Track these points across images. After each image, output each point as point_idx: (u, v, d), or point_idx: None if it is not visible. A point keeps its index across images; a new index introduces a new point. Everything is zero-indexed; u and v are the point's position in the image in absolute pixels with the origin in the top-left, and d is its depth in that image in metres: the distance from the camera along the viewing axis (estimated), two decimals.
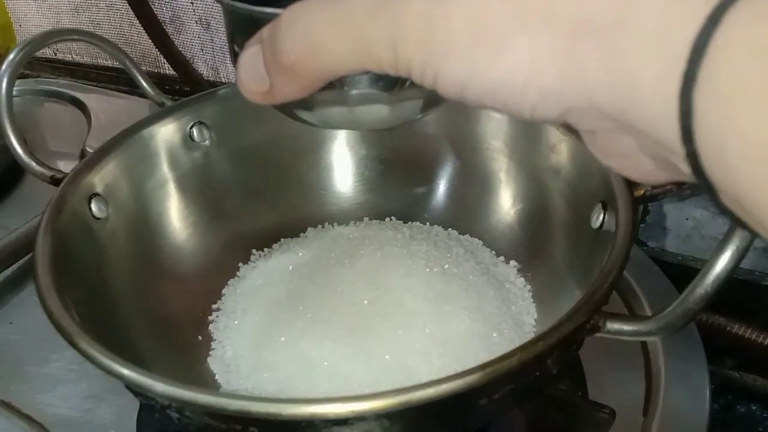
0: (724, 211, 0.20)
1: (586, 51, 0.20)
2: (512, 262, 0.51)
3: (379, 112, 0.32)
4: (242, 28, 0.34)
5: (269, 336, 0.44)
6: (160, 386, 0.30)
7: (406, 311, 0.44)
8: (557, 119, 0.23)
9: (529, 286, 0.49)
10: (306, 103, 0.32)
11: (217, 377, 0.45)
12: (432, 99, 0.33)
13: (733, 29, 0.18)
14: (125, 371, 0.31)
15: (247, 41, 0.27)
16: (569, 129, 0.44)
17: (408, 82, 0.28)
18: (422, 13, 0.22)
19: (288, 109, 0.34)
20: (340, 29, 0.24)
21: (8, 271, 0.58)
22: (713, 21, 0.18)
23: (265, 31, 0.26)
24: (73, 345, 0.32)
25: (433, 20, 0.22)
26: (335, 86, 0.29)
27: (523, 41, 0.21)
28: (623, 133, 0.22)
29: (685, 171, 0.20)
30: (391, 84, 0.30)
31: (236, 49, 0.34)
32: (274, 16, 0.25)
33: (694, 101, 0.18)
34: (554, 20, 0.21)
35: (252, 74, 0.26)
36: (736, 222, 0.20)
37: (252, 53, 0.26)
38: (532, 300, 0.48)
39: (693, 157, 0.19)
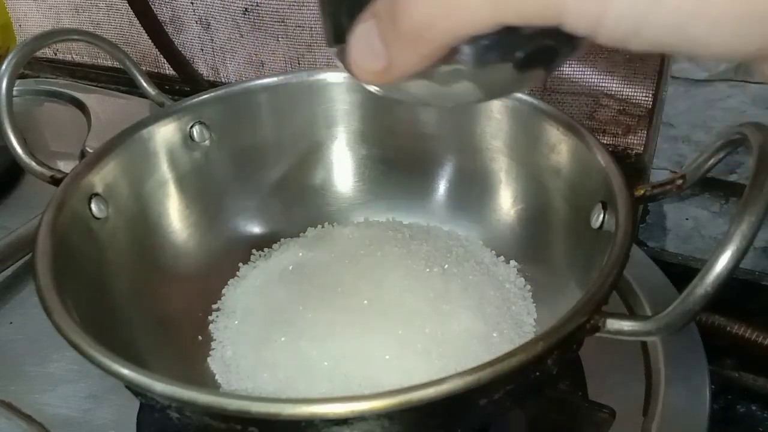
0: None
1: None
2: (512, 262, 0.51)
3: (499, 82, 0.27)
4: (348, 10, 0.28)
5: (269, 336, 0.44)
6: (159, 386, 0.30)
7: (406, 311, 0.44)
8: (755, 53, 0.20)
9: (529, 286, 0.49)
10: (416, 77, 0.27)
11: (217, 377, 0.45)
12: (558, 59, 0.27)
13: None
14: (125, 371, 0.31)
15: (357, 17, 0.24)
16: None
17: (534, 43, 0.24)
18: None
19: (395, 87, 0.29)
20: None
21: (8, 271, 0.58)
22: None
23: (379, 2, 0.23)
24: (73, 345, 0.32)
25: None
26: (456, 56, 0.25)
27: None
28: None
29: None
30: (521, 48, 0.25)
31: (337, 41, 0.29)
32: None
33: None
34: None
35: (367, 52, 0.24)
36: None
37: (365, 29, 0.24)
38: (532, 300, 0.48)
39: None
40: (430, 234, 0.53)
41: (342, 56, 0.27)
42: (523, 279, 0.49)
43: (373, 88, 0.29)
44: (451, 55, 0.24)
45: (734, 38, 0.19)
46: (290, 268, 0.50)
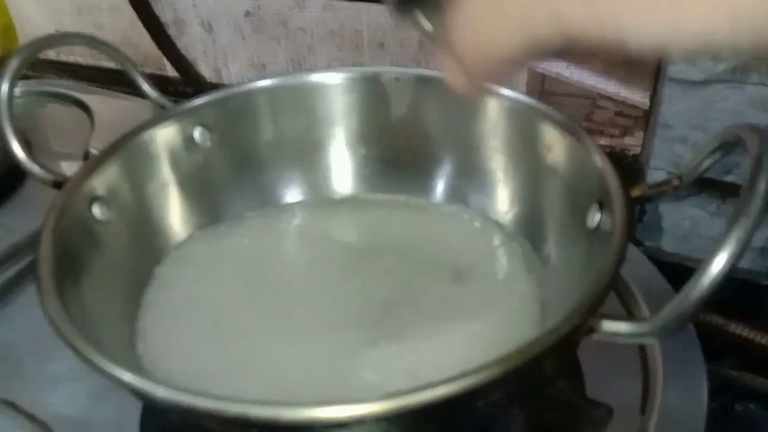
0: None
1: None
2: (513, 263, 0.51)
3: None
4: None
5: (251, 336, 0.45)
6: (161, 391, 0.30)
7: (407, 311, 0.45)
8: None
9: (529, 287, 0.49)
10: None
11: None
12: None
13: None
14: (126, 377, 0.31)
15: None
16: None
17: None
18: None
19: None
20: (498, 14, 0.26)
21: (11, 272, 0.58)
22: None
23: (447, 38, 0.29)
24: (74, 350, 0.33)
25: None
26: None
27: None
28: None
29: None
30: None
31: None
32: None
33: None
34: None
35: (452, 77, 0.30)
36: None
37: (444, 59, 0.29)
38: (531, 300, 0.48)
39: None
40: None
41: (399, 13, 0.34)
42: (522, 279, 0.49)
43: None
44: None
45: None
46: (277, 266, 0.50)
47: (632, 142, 0.62)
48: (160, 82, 0.74)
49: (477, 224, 0.52)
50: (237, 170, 0.55)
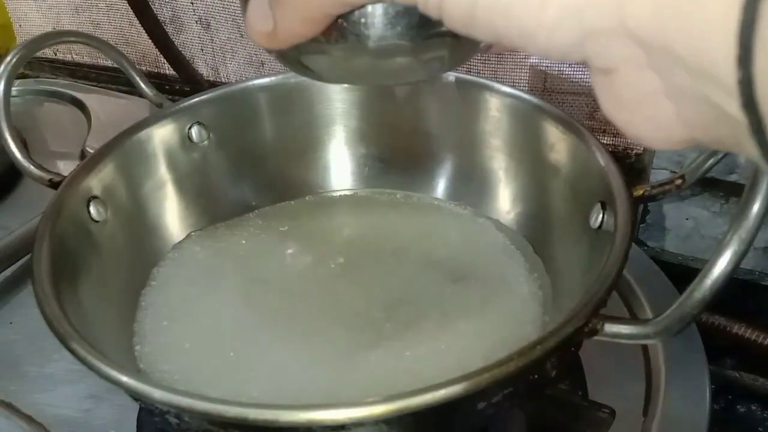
0: None
1: None
2: (513, 263, 0.50)
3: (388, 64, 0.29)
4: None
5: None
6: (158, 393, 0.30)
7: (407, 311, 0.44)
8: (575, 49, 0.20)
9: (530, 287, 0.49)
10: (311, 50, 0.28)
11: None
12: (454, 52, 0.29)
13: None
14: (124, 378, 0.31)
15: None
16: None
17: (426, 30, 0.26)
18: None
19: (294, 58, 0.30)
20: None
21: (8, 272, 0.58)
22: None
23: None
24: (72, 352, 0.33)
25: None
26: (344, 30, 0.26)
27: None
28: (649, 67, 0.19)
29: (727, 107, 0.17)
30: (408, 29, 0.26)
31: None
32: None
33: (761, 9, 0.15)
34: None
35: (257, 12, 0.25)
36: None
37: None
38: (532, 300, 0.48)
39: (746, 84, 0.16)
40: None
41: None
42: (523, 279, 0.49)
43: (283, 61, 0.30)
44: (340, 30, 0.25)
45: (555, 30, 0.20)
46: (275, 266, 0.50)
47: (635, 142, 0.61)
48: (157, 80, 0.74)
49: (478, 224, 0.52)
50: (235, 169, 0.54)
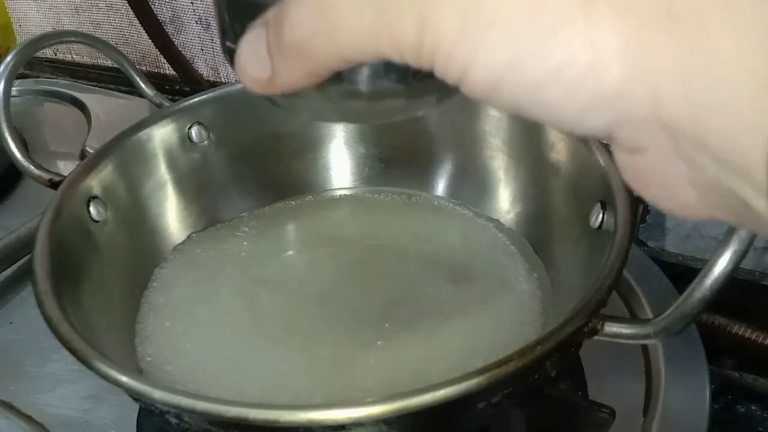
0: None
1: (663, 44, 0.17)
2: (513, 263, 0.50)
3: (384, 106, 0.28)
4: (241, 16, 0.28)
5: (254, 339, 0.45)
6: (158, 393, 0.30)
7: (407, 312, 0.44)
8: (603, 131, 0.20)
9: (530, 287, 0.49)
10: (304, 95, 0.27)
11: None
12: (451, 90, 0.26)
13: None
14: (124, 378, 0.31)
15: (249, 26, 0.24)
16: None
17: (422, 75, 0.24)
18: None
19: (284, 100, 0.29)
20: (358, 2, 0.21)
21: (8, 272, 0.58)
22: None
23: (271, 11, 0.23)
24: (72, 352, 0.33)
25: None
26: (341, 77, 0.25)
27: (587, 24, 0.18)
28: (678, 156, 0.19)
29: (755, 203, 0.17)
30: (405, 77, 0.26)
31: (229, 44, 0.29)
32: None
33: None
34: (629, 3, 0.18)
35: (252, 58, 0.24)
36: None
37: (254, 35, 0.23)
38: (532, 301, 0.48)
39: None
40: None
41: (231, 59, 0.26)
42: (523, 279, 0.49)
43: (268, 99, 0.28)
44: (338, 76, 0.24)
45: (584, 113, 0.19)
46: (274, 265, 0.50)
47: None
48: (157, 80, 0.74)
49: (478, 224, 0.52)
50: (235, 169, 0.54)
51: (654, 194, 0.22)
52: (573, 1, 0.18)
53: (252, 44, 0.24)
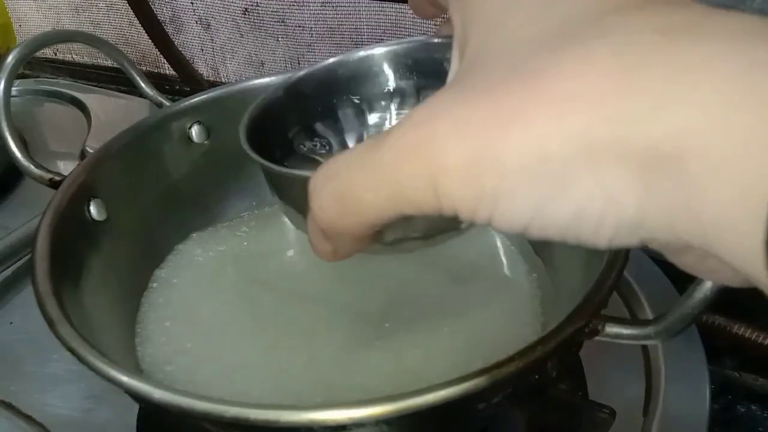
0: None
1: (662, 182, 0.18)
2: (513, 263, 0.50)
3: (435, 238, 0.32)
4: (280, 185, 0.37)
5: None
6: (158, 393, 0.30)
7: (407, 312, 0.44)
8: (637, 246, 0.21)
9: (530, 287, 0.49)
10: (371, 249, 0.30)
11: None
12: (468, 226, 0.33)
13: None
14: (124, 378, 0.31)
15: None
16: None
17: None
18: (466, 148, 0.20)
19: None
20: (370, 177, 0.22)
21: (8, 272, 0.58)
22: None
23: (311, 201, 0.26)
24: (72, 352, 0.33)
25: (482, 152, 0.20)
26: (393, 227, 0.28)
27: (596, 173, 0.19)
28: (708, 255, 0.20)
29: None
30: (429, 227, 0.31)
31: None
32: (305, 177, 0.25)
33: None
34: (623, 150, 0.19)
35: (314, 239, 0.27)
36: None
37: (309, 219, 0.26)
38: (532, 301, 0.48)
39: None
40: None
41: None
42: (524, 280, 0.49)
43: None
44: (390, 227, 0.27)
45: (615, 239, 0.20)
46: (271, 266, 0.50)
47: None
48: (157, 80, 0.74)
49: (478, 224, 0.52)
50: (235, 169, 0.54)
51: (698, 274, 0.24)
52: (578, 153, 0.19)
53: (311, 228, 0.27)
